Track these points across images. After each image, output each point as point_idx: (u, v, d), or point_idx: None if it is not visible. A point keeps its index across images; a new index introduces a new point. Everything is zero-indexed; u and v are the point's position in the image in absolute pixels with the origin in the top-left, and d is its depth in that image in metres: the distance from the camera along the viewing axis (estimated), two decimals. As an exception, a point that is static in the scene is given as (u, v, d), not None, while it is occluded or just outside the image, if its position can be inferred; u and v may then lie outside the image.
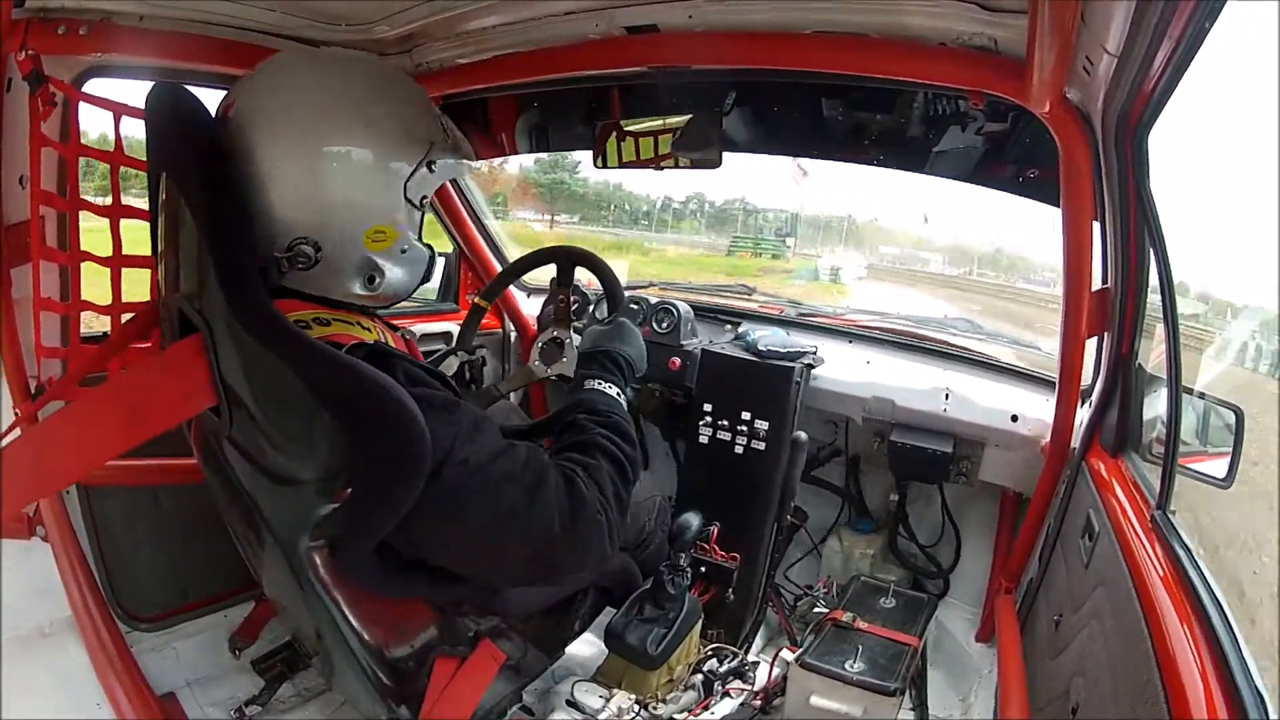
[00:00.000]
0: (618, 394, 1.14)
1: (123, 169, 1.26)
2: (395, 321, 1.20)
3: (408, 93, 1.04)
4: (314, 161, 0.93)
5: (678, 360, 1.93)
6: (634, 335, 1.24)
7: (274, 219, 0.94)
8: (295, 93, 0.95)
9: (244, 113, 0.94)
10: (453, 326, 2.07)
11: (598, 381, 1.14)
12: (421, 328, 2.03)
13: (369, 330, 1.01)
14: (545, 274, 1.91)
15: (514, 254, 2.20)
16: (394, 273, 1.03)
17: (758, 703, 1.47)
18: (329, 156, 0.93)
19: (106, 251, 1.27)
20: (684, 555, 1.42)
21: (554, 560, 0.97)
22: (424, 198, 1.03)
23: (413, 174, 0.99)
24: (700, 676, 1.46)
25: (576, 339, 1.30)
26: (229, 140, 0.94)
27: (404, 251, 1.03)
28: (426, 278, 1.11)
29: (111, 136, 1.24)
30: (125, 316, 1.30)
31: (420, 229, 1.07)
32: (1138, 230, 1.22)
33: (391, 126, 0.98)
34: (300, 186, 0.93)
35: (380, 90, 1.00)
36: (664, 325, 1.98)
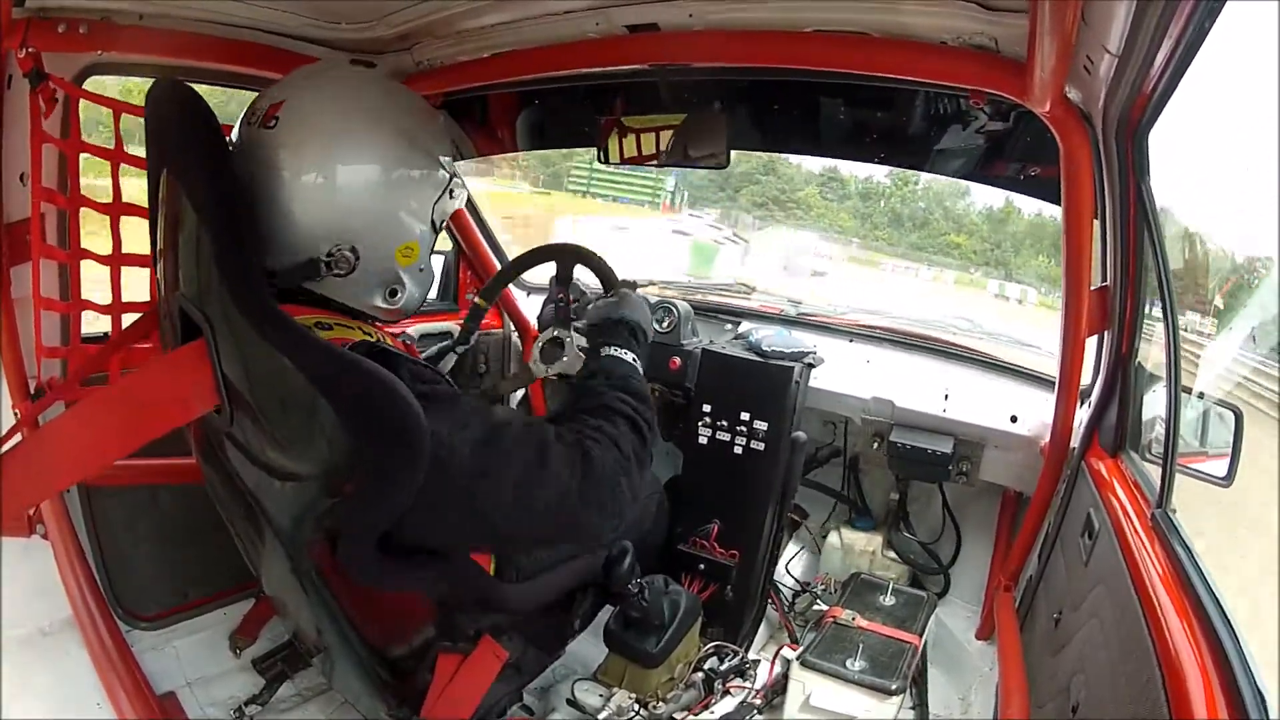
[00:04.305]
0: (634, 359, 1.15)
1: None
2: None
3: (436, 120, 1.10)
4: (368, 177, 0.98)
5: (678, 360, 1.92)
6: (640, 304, 1.25)
7: (318, 224, 0.96)
8: (350, 114, 0.99)
9: (294, 125, 0.96)
10: (452, 326, 2.07)
11: (613, 348, 1.15)
12: (420, 328, 2.02)
13: (369, 335, 1.01)
14: (545, 274, 1.91)
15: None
16: (411, 288, 1.06)
17: (758, 701, 1.47)
18: (379, 175, 0.98)
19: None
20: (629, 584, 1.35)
21: (574, 518, 0.98)
22: (443, 220, 1.07)
23: (439, 197, 1.05)
24: (701, 675, 1.46)
25: (579, 339, 1.30)
26: (271, 148, 0.95)
27: (421, 270, 1.07)
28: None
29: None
30: (126, 316, 1.30)
31: (432, 250, 1.10)
32: (1137, 229, 1.22)
33: (430, 152, 1.04)
34: (350, 199, 0.97)
35: (422, 118, 1.06)
36: (664, 324, 1.98)
